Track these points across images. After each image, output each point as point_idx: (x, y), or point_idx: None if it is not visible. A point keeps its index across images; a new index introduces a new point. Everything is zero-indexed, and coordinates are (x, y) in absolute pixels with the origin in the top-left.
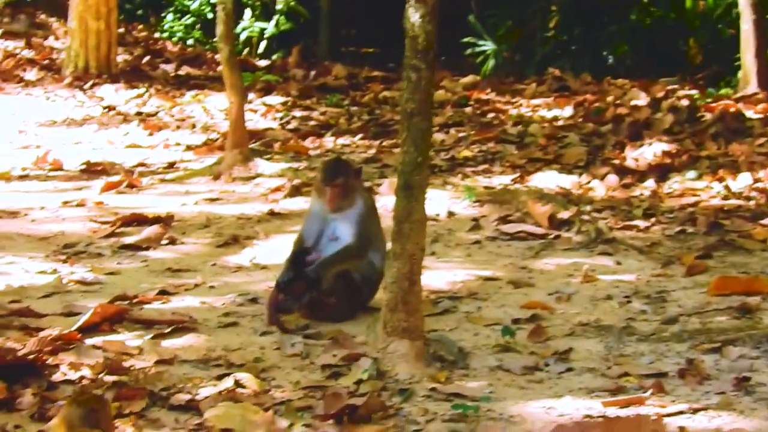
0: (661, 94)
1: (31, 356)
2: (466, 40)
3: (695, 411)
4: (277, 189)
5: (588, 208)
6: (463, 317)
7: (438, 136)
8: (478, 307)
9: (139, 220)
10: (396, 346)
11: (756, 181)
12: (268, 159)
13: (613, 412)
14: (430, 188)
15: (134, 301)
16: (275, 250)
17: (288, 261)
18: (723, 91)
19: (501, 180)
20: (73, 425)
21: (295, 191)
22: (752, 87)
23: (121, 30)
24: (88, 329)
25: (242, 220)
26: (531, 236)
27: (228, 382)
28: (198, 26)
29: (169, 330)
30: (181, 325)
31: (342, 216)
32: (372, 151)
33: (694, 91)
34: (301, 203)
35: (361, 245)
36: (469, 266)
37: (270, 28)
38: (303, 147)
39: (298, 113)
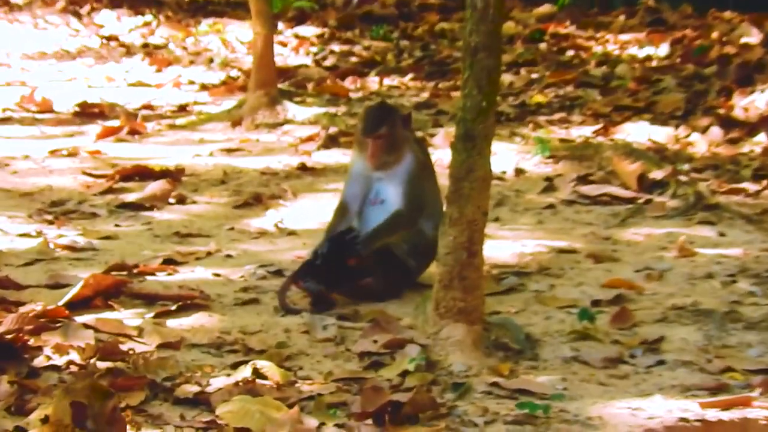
0: None
1: (9, 336)
2: None
3: None
4: (310, 138)
5: (686, 167)
6: (531, 297)
7: (506, 78)
8: (551, 285)
9: (142, 174)
10: (450, 331)
11: None
12: (299, 102)
13: (713, 415)
14: (495, 140)
15: (134, 271)
16: (306, 212)
17: (327, 231)
18: None
19: (581, 131)
20: (62, 424)
21: (331, 142)
22: None
23: None
24: (78, 305)
25: (267, 175)
26: (616, 200)
27: (245, 372)
28: None
29: (175, 307)
30: (190, 302)
31: (388, 174)
32: (425, 95)
33: None
34: (337, 156)
35: (412, 210)
36: (540, 235)
37: None
38: (342, 88)
39: (336, 47)
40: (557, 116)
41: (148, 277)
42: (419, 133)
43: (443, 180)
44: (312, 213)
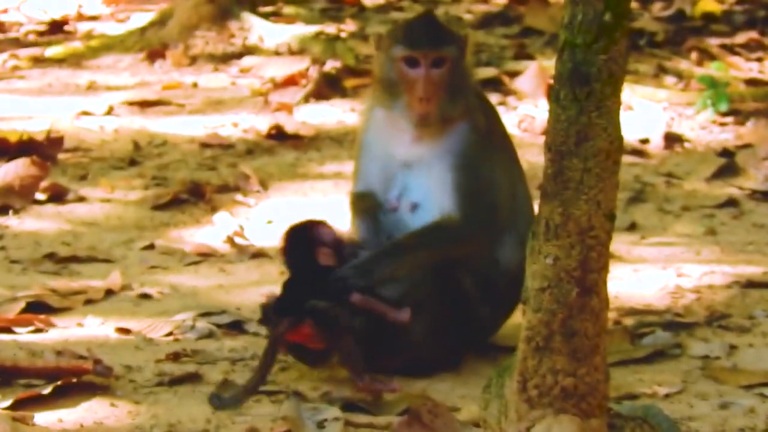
0: None
1: None
2: None
3: None
4: (290, 81)
5: None
6: (695, 369)
7: None
8: (731, 347)
9: None
10: (548, 430)
11: None
12: (270, 16)
13: None
14: (628, 82)
15: None
16: (284, 215)
17: None
18: None
19: None
20: None
21: (329, 87)
22: None
23: None
24: None
25: (213, 148)
26: None
27: None
28: None
29: (50, 390)
30: (76, 380)
31: (424, 154)
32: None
33: None
34: (339, 113)
35: (473, 221)
36: (711, 256)
37: None
38: None
39: None
40: (742, 38)
41: (1, 336)
42: (487, 72)
43: (533, 157)
44: (294, 217)
